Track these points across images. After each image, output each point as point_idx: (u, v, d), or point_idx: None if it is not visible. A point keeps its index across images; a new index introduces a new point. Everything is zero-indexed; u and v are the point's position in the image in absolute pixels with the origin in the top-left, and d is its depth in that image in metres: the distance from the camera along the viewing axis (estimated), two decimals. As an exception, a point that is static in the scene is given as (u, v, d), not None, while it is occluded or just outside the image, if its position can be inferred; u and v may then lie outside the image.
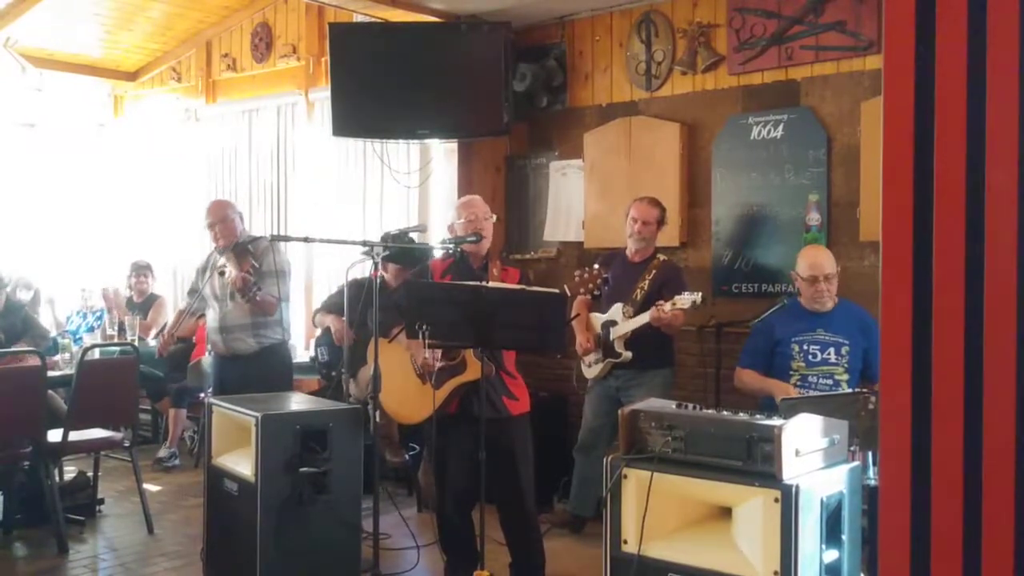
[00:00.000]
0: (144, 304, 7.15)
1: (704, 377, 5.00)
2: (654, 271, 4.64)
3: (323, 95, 6.49)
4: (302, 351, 6.54)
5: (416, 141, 6.03)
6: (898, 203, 1.53)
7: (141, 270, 7.26)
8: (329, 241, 4.61)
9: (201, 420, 6.11)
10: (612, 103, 5.67)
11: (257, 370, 4.75)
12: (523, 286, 3.70)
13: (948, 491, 1.49)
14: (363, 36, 5.79)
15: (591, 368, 4.78)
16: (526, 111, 5.88)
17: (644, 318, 4.42)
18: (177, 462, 6.57)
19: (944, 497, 1.50)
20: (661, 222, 4.73)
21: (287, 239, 4.61)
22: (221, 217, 4.88)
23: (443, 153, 6.06)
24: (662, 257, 4.74)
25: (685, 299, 4.20)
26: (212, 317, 4.92)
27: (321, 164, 6.87)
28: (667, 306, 4.25)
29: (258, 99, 7.29)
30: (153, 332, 6.97)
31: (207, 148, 7.69)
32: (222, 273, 4.73)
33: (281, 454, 3.82)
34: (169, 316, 6.93)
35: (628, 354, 4.56)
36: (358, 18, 6.00)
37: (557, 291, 3.54)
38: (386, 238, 4.22)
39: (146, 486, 5.26)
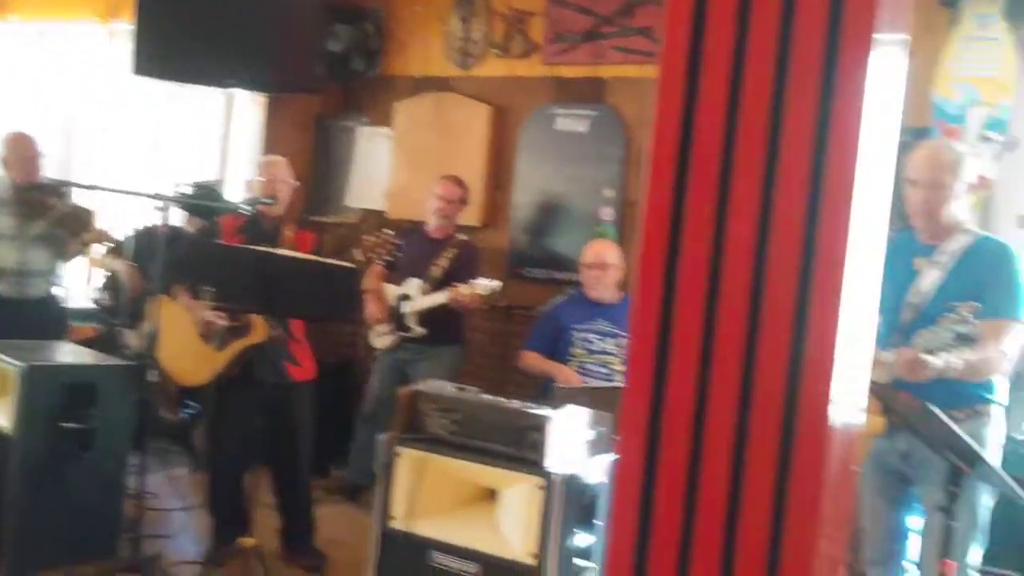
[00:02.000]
0: None
1: (492, 356, 5.14)
2: (453, 250, 4.70)
3: (125, 28, 6.08)
4: (79, 296, 6.17)
5: (223, 89, 5.79)
6: (656, 209, 1.64)
7: None
8: (120, 191, 4.36)
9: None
10: (426, 76, 5.67)
11: (34, 317, 4.46)
12: (315, 257, 3.66)
13: (672, 477, 1.63)
14: (173, -28, 5.48)
15: (381, 338, 4.79)
16: (339, 72, 5.77)
17: (440, 297, 4.48)
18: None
19: (668, 482, 1.63)
20: (464, 202, 4.80)
21: (74, 185, 4.34)
22: (28, 153, 4.53)
23: (250, 105, 5.86)
24: (462, 237, 4.81)
25: (484, 285, 4.29)
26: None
27: (118, 102, 6.46)
28: (465, 289, 4.33)
29: (53, 22, 6.74)
30: None
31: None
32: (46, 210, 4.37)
33: (45, 408, 3.61)
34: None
35: (421, 330, 4.61)
36: (169, -49, 5.66)
37: (349, 264, 3.54)
38: (188, 191, 4.04)
39: None
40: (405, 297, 4.69)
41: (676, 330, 1.55)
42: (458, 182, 4.78)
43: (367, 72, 5.81)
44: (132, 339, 4.76)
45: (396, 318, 4.68)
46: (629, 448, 1.63)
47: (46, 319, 4.55)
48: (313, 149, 6.03)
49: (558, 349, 4.45)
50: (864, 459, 3.02)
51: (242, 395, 3.72)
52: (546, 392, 4.06)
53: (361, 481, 4.93)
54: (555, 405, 2.97)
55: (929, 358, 2.55)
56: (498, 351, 5.06)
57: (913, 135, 4.36)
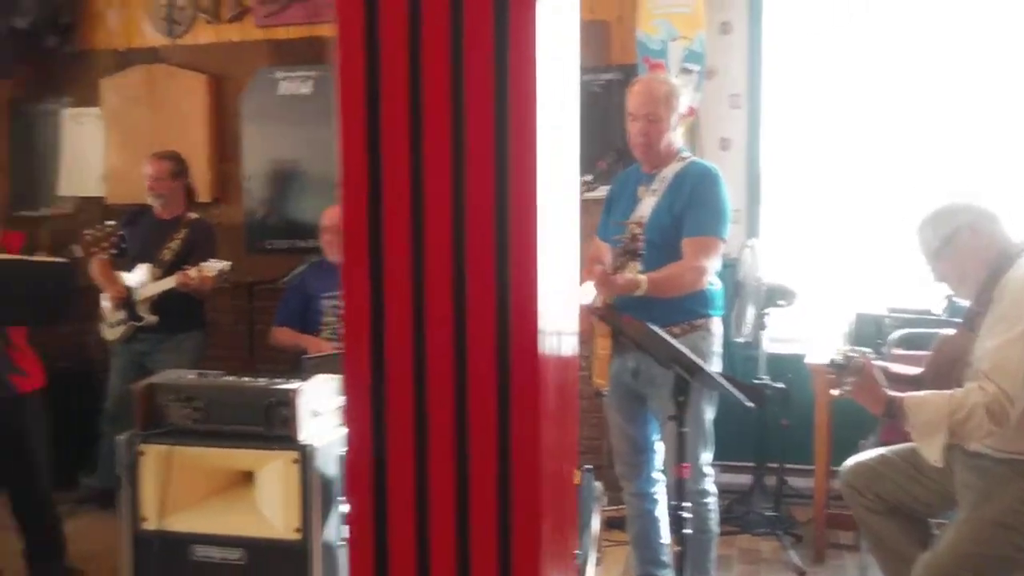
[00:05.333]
0: None
1: (240, 335, 4.97)
2: (184, 230, 4.46)
3: None
4: None
5: None
6: (353, 161, 1.63)
7: None
8: None
9: None
10: (132, 48, 5.30)
11: None
12: (21, 257, 3.36)
13: (400, 423, 1.64)
14: None
15: (113, 330, 4.49)
16: (30, 52, 5.28)
17: (169, 282, 4.26)
18: None
19: (397, 428, 1.65)
20: (177, 176, 4.51)
21: None
22: None
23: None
24: (194, 215, 4.57)
25: (212, 266, 4.11)
26: None
27: None
28: (194, 272, 4.13)
29: None
30: None
31: None
32: None
33: None
34: None
35: (153, 318, 4.36)
36: None
37: (63, 259, 3.29)
38: None
39: None
40: (136, 284, 4.42)
41: (387, 287, 1.56)
42: (165, 156, 4.50)
43: (63, 48, 5.34)
44: None
45: (128, 307, 4.41)
46: (357, 406, 1.64)
47: None
48: (10, 138, 5.50)
49: (308, 320, 4.37)
50: (609, 381, 3.20)
51: (-41, 416, 3.38)
52: (299, 365, 3.99)
53: (111, 486, 4.64)
54: (304, 377, 2.93)
55: (616, 276, 2.72)
56: (246, 329, 4.89)
57: (623, 72, 4.62)
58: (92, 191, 5.38)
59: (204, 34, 5.20)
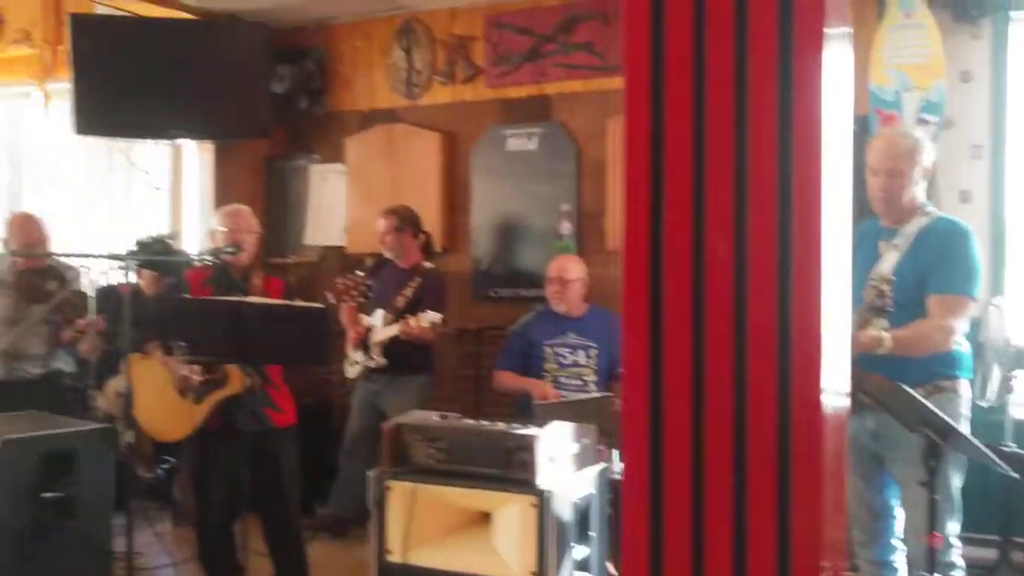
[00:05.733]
0: None
1: (465, 379, 5.16)
2: (419, 279, 4.71)
3: (63, 87, 6.05)
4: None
5: (168, 141, 5.78)
6: (636, 217, 1.69)
7: None
8: (74, 255, 4.32)
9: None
10: (374, 109, 5.72)
11: (26, 400, 4.26)
12: (285, 301, 3.68)
13: (678, 482, 1.67)
14: (110, 28, 5.47)
15: (353, 368, 4.79)
16: (285, 113, 5.80)
17: (395, 329, 4.49)
18: None
19: (675, 488, 1.67)
20: (399, 230, 4.76)
21: (29, 255, 4.24)
22: (34, 237, 4.47)
23: (197, 154, 5.86)
24: (428, 265, 4.82)
25: (427, 317, 4.32)
26: None
27: (60, 163, 6.40)
28: (413, 321, 4.36)
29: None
30: None
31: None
32: (46, 295, 4.29)
33: (23, 480, 3.57)
34: None
35: (382, 361, 4.60)
36: (100, 9, 5.65)
37: (320, 305, 3.56)
38: (144, 247, 4.03)
39: None
40: (371, 328, 4.71)
41: (666, 343, 1.60)
42: (389, 212, 4.78)
43: (313, 110, 5.84)
44: (100, 400, 4.72)
45: (364, 348, 4.70)
46: (634, 460, 1.67)
47: (40, 402, 4.42)
48: (266, 191, 6.04)
49: (530, 366, 4.50)
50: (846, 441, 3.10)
51: (225, 446, 3.71)
52: (523, 409, 4.10)
53: (346, 515, 4.92)
54: (538, 422, 3.02)
55: (860, 333, 2.64)
56: (472, 373, 5.09)
57: (855, 123, 4.48)
58: (335, 241, 5.80)
59: (439, 95, 5.53)
